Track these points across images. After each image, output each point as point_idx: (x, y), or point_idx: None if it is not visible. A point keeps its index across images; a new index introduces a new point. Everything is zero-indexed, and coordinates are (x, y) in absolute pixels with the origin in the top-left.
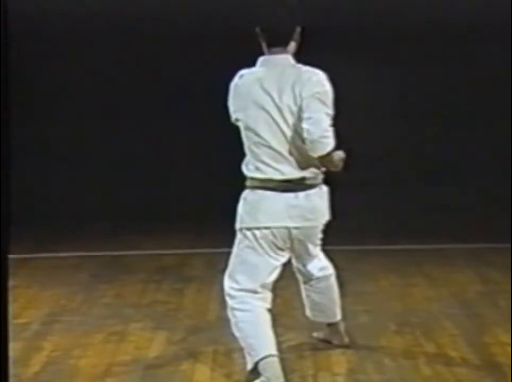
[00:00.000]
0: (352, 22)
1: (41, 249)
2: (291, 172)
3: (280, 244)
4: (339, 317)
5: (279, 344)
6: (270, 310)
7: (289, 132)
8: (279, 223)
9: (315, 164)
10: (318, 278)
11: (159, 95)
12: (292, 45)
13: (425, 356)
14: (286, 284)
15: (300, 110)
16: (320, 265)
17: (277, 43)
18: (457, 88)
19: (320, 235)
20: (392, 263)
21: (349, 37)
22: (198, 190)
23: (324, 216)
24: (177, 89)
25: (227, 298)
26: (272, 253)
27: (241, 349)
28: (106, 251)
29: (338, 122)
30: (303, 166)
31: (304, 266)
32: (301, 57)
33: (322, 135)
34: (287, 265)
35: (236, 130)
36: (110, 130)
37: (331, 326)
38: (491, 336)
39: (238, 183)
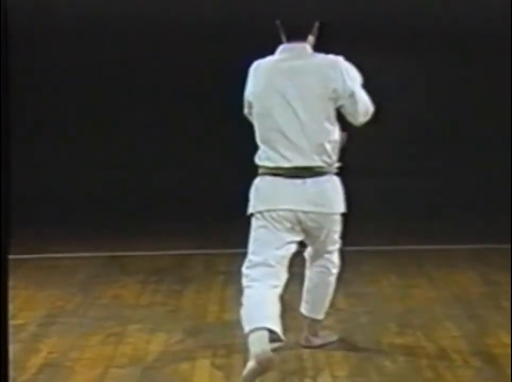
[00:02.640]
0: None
1: (38, 250)
2: (300, 159)
3: (289, 226)
4: (320, 316)
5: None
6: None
7: (304, 117)
8: (284, 205)
9: (328, 152)
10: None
11: (158, 95)
12: (311, 39)
13: (426, 358)
14: (285, 285)
15: (336, 98)
16: (330, 259)
17: (296, 36)
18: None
19: (336, 228)
20: (392, 264)
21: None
22: (197, 191)
23: (335, 204)
24: (177, 92)
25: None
26: (283, 231)
27: (240, 352)
28: (104, 252)
29: None
30: (313, 153)
31: (315, 254)
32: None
33: (365, 120)
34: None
35: (235, 134)
36: (108, 130)
37: (311, 325)
38: (493, 338)
39: (238, 184)
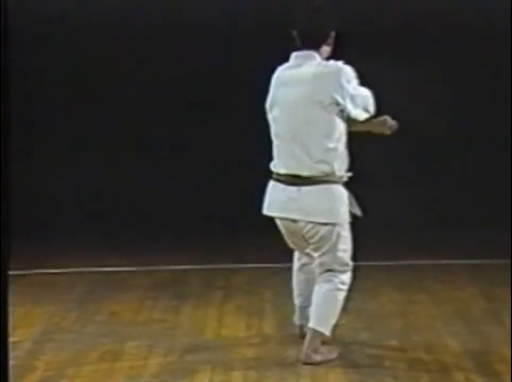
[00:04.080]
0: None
1: (34, 265)
2: (295, 167)
3: (283, 232)
4: (321, 328)
5: (276, 360)
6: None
7: (303, 125)
8: (277, 213)
9: (326, 161)
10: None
11: (158, 101)
12: (325, 49)
13: (428, 376)
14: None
15: (337, 103)
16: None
17: (308, 44)
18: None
19: (335, 240)
20: (393, 279)
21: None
22: (195, 206)
23: (327, 214)
24: (177, 96)
25: None
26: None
27: (239, 368)
28: (100, 267)
29: None
30: (310, 161)
31: (319, 266)
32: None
33: (371, 114)
34: None
35: (233, 149)
36: (103, 144)
37: (312, 339)
38: (495, 354)
39: (235, 199)
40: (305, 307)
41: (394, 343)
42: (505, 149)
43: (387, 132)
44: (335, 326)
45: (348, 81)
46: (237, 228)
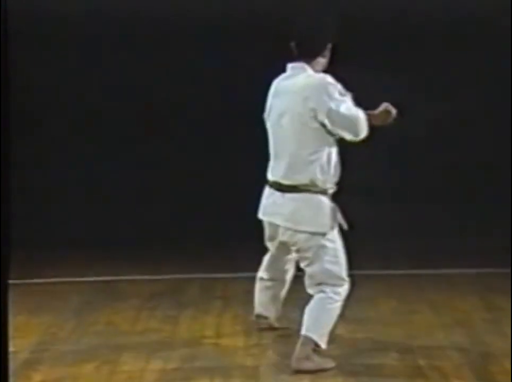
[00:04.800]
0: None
1: (30, 274)
2: (279, 174)
3: (267, 236)
4: (311, 334)
5: (275, 369)
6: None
7: (288, 135)
8: (265, 217)
9: (310, 170)
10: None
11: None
12: (321, 61)
13: None
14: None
15: (315, 117)
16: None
17: (304, 57)
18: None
19: (314, 249)
20: (392, 288)
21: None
22: (193, 214)
23: (305, 222)
24: (178, 108)
25: None
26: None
27: (238, 378)
28: (97, 276)
29: None
30: (293, 170)
31: (307, 277)
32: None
33: (358, 135)
34: None
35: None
36: (102, 152)
37: (303, 346)
38: (497, 365)
39: (234, 208)
40: (258, 316)
41: (394, 352)
42: (505, 156)
43: (390, 121)
44: (334, 336)
45: (330, 97)
46: (236, 237)
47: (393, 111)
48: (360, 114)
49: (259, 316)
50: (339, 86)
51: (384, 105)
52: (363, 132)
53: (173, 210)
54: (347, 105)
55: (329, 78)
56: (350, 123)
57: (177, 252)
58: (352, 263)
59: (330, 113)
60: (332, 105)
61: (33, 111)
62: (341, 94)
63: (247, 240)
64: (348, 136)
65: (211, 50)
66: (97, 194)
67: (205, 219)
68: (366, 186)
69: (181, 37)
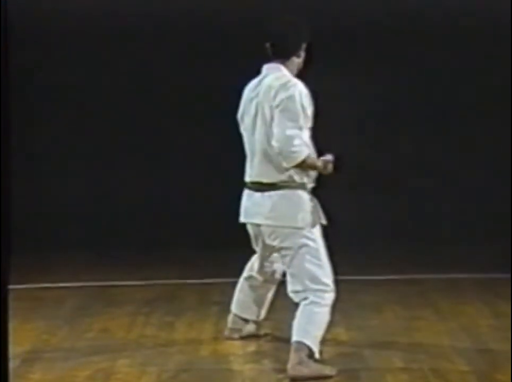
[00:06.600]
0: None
1: (22, 280)
2: (254, 174)
3: (252, 237)
4: (300, 338)
5: (274, 376)
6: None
7: (259, 135)
8: (246, 219)
9: (282, 168)
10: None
11: (157, 109)
12: (295, 61)
13: None
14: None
15: (271, 119)
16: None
17: (278, 57)
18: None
19: (294, 246)
20: (396, 294)
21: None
22: (189, 219)
23: (286, 218)
24: (177, 101)
25: None
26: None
27: None
28: (91, 282)
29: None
30: (267, 169)
31: (289, 278)
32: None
33: (289, 150)
34: None
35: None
36: (96, 157)
37: (295, 352)
38: (503, 373)
39: (230, 213)
40: (236, 315)
41: (398, 360)
42: (505, 161)
43: (328, 171)
44: (338, 343)
45: (285, 109)
46: (232, 242)
47: (330, 167)
48: (298, 147)
49: (237, 316)
50: (304, 95)
51: (328, 158)
52: (291, 161)
53: (169, 215)
54: (298, 132)
55: (299, 85)
56: (287, 145)
57: (173, 257)
58: (355, 269)
59: (279, 122)
60: (278, 113)
61: (33, 111)
62: (303, 107)
63: (244, 245)
64: (276, 149)
65: (211, 50)
66: (92, 200)
67: (201, 224)
68: (372, 187)
69: (181, 37)
